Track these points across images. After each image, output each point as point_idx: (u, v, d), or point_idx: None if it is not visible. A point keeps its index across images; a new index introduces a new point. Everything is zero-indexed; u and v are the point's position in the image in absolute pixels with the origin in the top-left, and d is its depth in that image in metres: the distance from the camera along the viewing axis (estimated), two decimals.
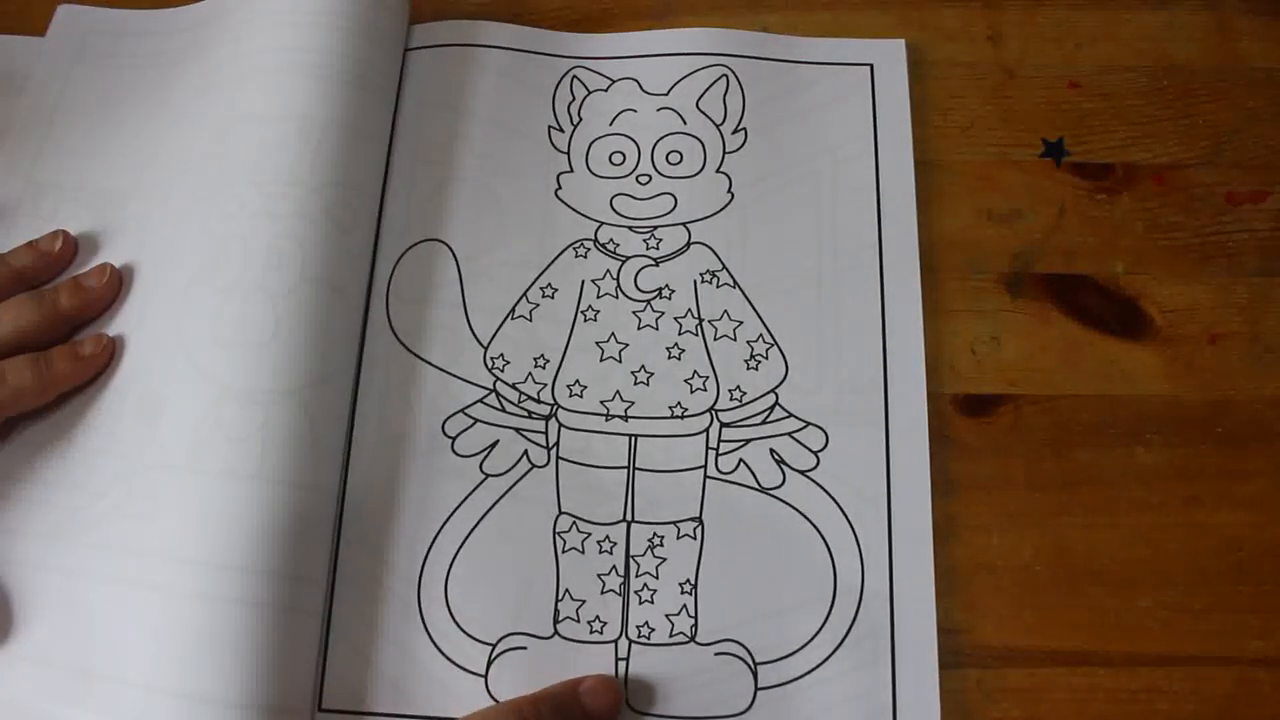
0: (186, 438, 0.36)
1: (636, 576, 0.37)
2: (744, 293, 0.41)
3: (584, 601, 0.37)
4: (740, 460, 0.39)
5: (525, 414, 0.40)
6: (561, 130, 0.45)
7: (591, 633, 0.37)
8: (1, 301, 0.39)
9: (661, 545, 0.38)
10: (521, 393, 0.40)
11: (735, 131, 0.44)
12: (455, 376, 0.40)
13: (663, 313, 0.41)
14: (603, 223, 0.43)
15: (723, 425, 0.39)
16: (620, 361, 0.41)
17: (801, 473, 0.39)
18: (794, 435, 0.39)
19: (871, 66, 0.45)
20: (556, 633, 0.37)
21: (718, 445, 0.39)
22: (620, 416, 0.40)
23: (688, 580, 0.37)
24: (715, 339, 0.41)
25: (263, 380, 0.36)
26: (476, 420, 0.40)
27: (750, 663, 0.36)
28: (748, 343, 0.41)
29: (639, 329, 0.41)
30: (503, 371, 0.40)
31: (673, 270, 0.42)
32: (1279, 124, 0.45)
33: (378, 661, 0.36)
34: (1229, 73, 0.46)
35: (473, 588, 0.37)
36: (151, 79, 0.45)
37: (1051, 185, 0.44)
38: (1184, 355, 0.41)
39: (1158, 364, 0.41)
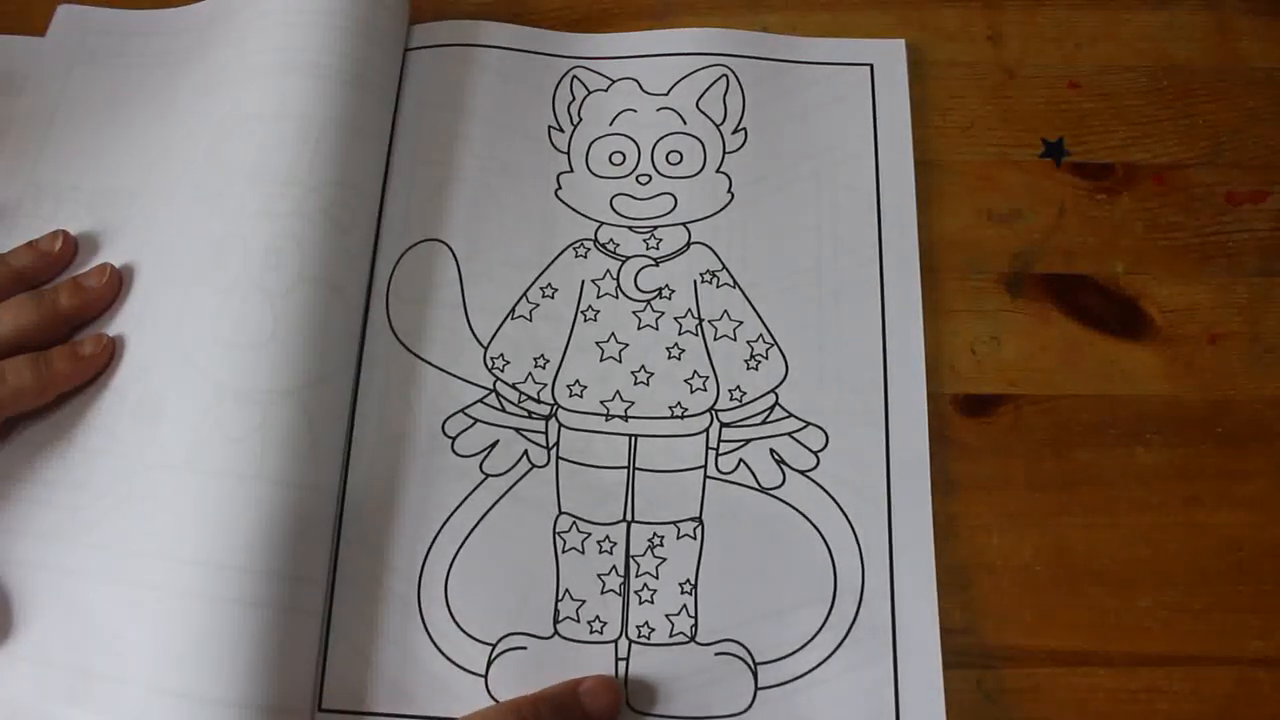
0: (186, 438, 0.36)
1: (636, 576, 0.37)
2: (744, 293, 0.41)
3: (584, 601, 0.37)
4: (740, 460, 0.39)
5: (525, 414, 0.40)
6: (561, 130, 0.45)
7: (591, 633, 0.37)
8: (1, 301, 0.39)
9: (661, 545, 0.38)
10: (521, 393, 0.40)
11: (735, 131, 0.44)
12: (455, 376, 0.40)
13: (663, 313, 0.41)
14: (603, 223, 0.43)
15: (723, 425, 0.39)
16: (620, 361, 0.41)
17: (801, 473, 0.39)
18: (794, 435, 0.39)
19: (871, 66, 0.45)
20: (556, 633, 0.37)
21: (718, 445, 0.39)
22: (620, 416, 0.40)
23: (688, 580, 0.37)
24: (715, 339, 0.41)
25: (262, 380, 0.36)
26: (476, 420, 0.40)
27: (750, 663, 0.36)
28: (748, 343, 0.41)
29: (639, 329, 0.41)
30: (503, 371, 0.40)
31: (673, 270, 0.42)
32: (1279, 124, 0.45)
33: (378, 661, 0.36)
34: (1229, 73, 0.46)
35: (473, 588, 0.37)
36: (151, 79, 0.45)
37: (1051, 185, 0.44)
38: (1184, 355, 0.41)
39: (1158, 364, 0.41)
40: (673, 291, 0.42)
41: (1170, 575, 0.38)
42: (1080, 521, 0.39)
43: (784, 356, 0.40)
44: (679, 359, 0.41)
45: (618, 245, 0.43)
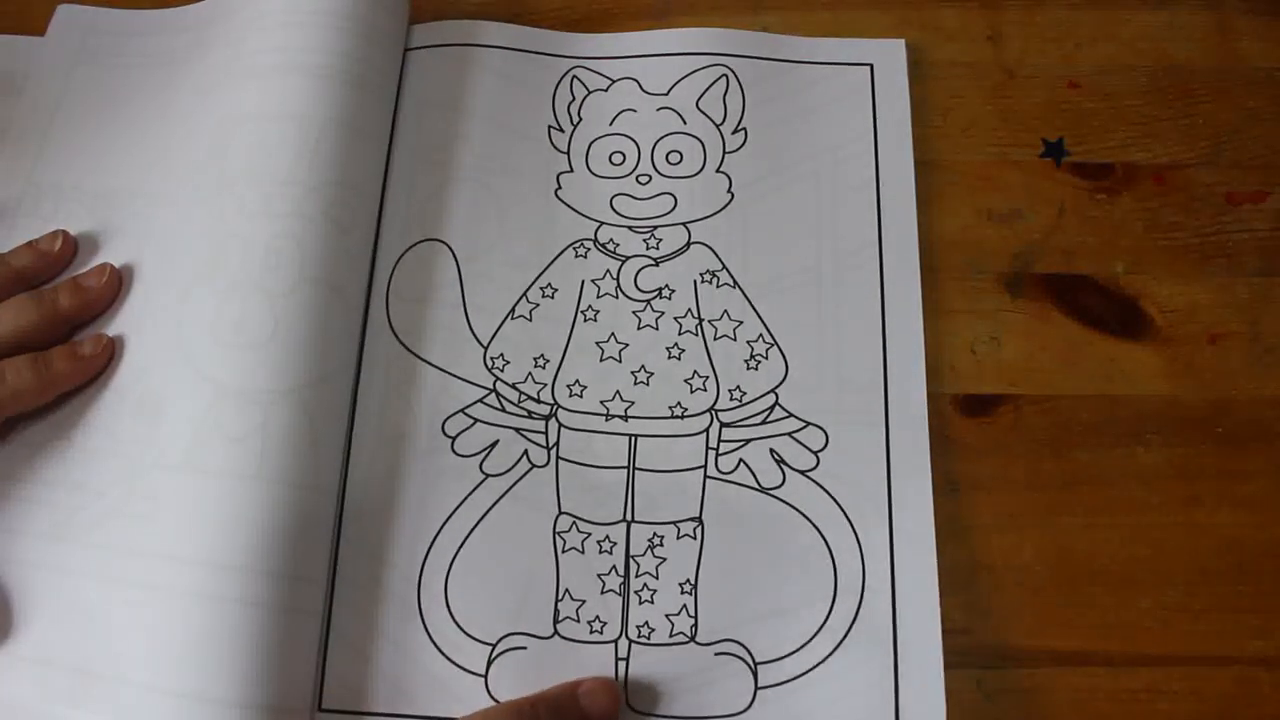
0: (186, 437, 0.36)
1: (636, 576, 0.37)
2: (744, 292, 0.41)
3: (584, 601, 0.37)
4: (740, 460, 0.39)
5: (525, 414, 0.40)
6: (561, 130, 0.45)
7: (591, 633, 0.37)
8: (1, 301, 0.39)
9: (661, 545, 0.38)
10: (521, 393, 0.40)
11: (735, 131, 0.44)
12: (455, 376, 0.40)
13: (663, 312, 0.41)
14: (603, 223, 0.43)
15: (723, 425, 0.39)
16: (620, 361, 0.41)
17: (801, 473, 0.39)
18: (794, 435, 0.39)
19: (871, 66, 0.45)
20: (556, 633, 0.37)
21: (718, 445, 0.39)
22: (620, 416, 0.40)
23: (688, 580, 0.37)
24: (715, 339, 0.41)
25: (262, 380, 0.36)
26: (476, 420, 0.40)
27: (750, 663, 0.36)
28: (748, 343, 0.41)
29: (639, 329, 0.41)
30: (503, 371, 0.40)
31: (673, 270, 0.42)
32: (1279, 124, 0.45)
33: (377, 661, 0.36)
34: (1229, 73, 0.46)
35: (473, 587, 0.37)
36: (151, 79, 0.45)
37: (1051, 185, 0.44)
38: (1184, 355, 0.41)
39: (1158, 364, 0.41)
40: (673, 291, 0.42)
41: (1170, 575, 0.38)
42: (1080, 521, 0.39)
43: (784, 356, 0.40)
44: (679, 359, 0.41)
45: (618, 245, 0.43)
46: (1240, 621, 0.38)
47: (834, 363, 0.40)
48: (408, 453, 0.39)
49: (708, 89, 0.45)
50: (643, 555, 0.38)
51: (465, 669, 0.36)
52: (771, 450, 0.39)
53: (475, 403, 0.40)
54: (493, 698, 0.36)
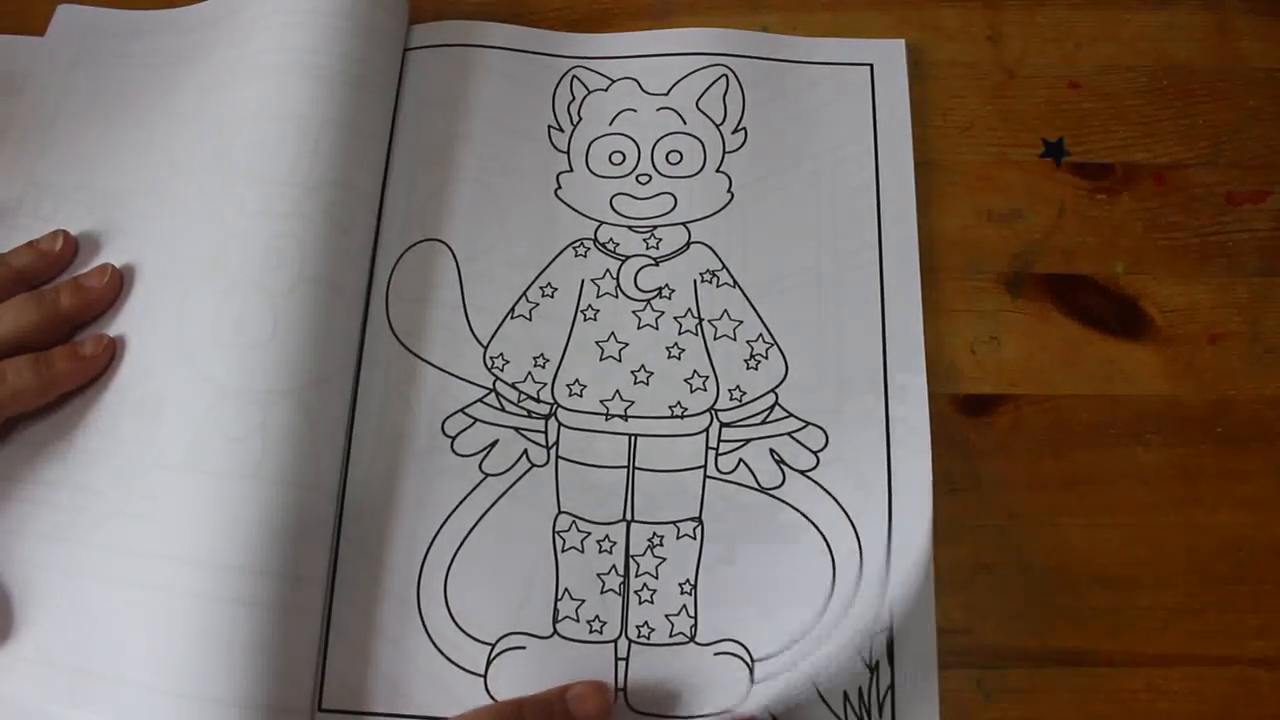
0: (186, 438, 0.36)
1: (636, 576, 0.37)
2: (744, 292, 0.41)
3: (583, 601, 0.37)
4: (740, 460, 0.39)
5: (525, 413, 0.40)
6: (561, 130, 0.45)
7: (591, 632, 0.37)
8: (2, 301, 0.39)
9: (661, 545, 0.38)
10: (521, 392, 0.40)
11: (735, 131, 0.44)
12: (455, 376, 0.40)
13: (662, 312, 0.41)
14: (602, 222, 0.43)
15: (723, 425, 0.39)
16: (620, 361, 0.41)
17: (801, 473, 0.39)
18: (794, 435, 0.39)
19: (871, 67, 0.45)
20: (556, 632, 0.37)
21: (718, 445, 0.39)
22: (620, 416, 0.40)
23: (687, 580, 0.37)
24: (715, 339, 0.41)
25: (262, 380, 0.36)
26: (476, 420, 0.40)
27: (749, 662, 0.36)
28: (748, 342, 0.41)
29: (639, 328, 0.41)
30: (502, 371, 0.40)
31: (672, 270, 0.42)
32: (1279, 124, 0.45)
33: (377, 661, 0.36)
34: (1229, 73, 0.46)
35: (472, 587, 0.37)
36: (151, 79, 0.45)
37: (1051, 185, 0.44)
38: (1184, 355, 0.41)
39: (1158, 364, 0.41)
40: (672, 291, 0.42)
41: (1170, 575, 0.38)
42: (1080, 521, 0.39)
43: (784, 356, 0.40)
44: (679, 359, 0.41)
45: (617, 245, 0.43)
46: (1240, 621, 0.38)
47: (834, 363, 0.40)
48: (407, 452, 0.39)
49: (708, 89, 0.45)
50: (642, 555, 0.38)
51: (465, 669, 0.36)
52: (771, 450, 0.39)
53: (475, 402, 0.40)
54: (492, 697, 0.36)
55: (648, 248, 0.42)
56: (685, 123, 0.44)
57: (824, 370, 0.40)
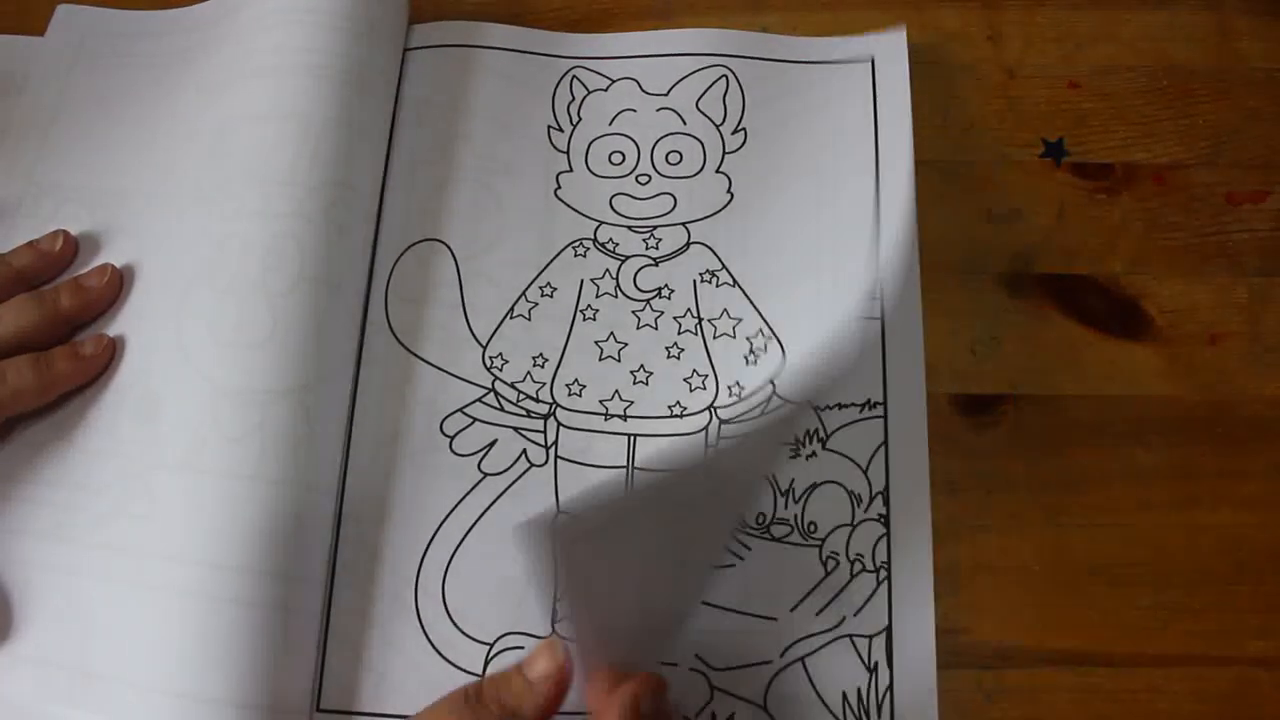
0: (185, 437, 0.36)
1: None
2: (743, 290, 0.41)
3: None
4: None
5: (524, 413, 0.40)
6: (561, 130, 0.45)
7: None
8: (2, 302, 0.39)
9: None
10: (520, 392, 0.40)
11: (735, 132, 0.44)
12: (454, 376, 0.40)
13: (662, 312, 0.41)
14: (602, 222, 0.43)
15: (721, 422, 0.39)
16: (619, 361, 0.41)
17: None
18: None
19: (872, 60, 0.45)
20: (554, 632, 0.37)
21: (716, 443, 0.39)
22: (619, 416, 0.40)
23: None
24: (715, 338, 0.41)
25: (261, 380, 0.36)
26: (475, 419, 0.40)
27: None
28: (747, 339, 0.41)
29: (638, 328, 0.41)
30: (501, 371, 0.40)
31: (672, 270, 0.42)
32: (1279, 124, 0.45)
33: (375, 661, 0.36)
34: (1229, 73, 0.46)
35: (470, 587, 0.37)
36: (151, 79, 0.45)
37: (1051, 185, 0.44)
38: (1184, 355, 0.41)
39: (1158, 364, 0.41)
40: (672, 291, 0.42)
41: (1170, 575, 0.38)
42: (1080, 521, 0.39)
43: (781, 346, 0.40)
44: (678, 358, 0.40)
45: (617, 245, 0.43)
46: (1240, 621, 0.37)
47: (833, 362, 0.40)
48: (406, 452, 0.39)
49: (707, 89, 0.45)
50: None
51: (463, 669, 0.36)
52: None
53: (474, 402, 0.40)
54: None
55: (647, 248, 0.42)
56: (685, 123, 0.44)
57: (823, 369, 0.40)
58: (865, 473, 0.39)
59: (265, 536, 0.35)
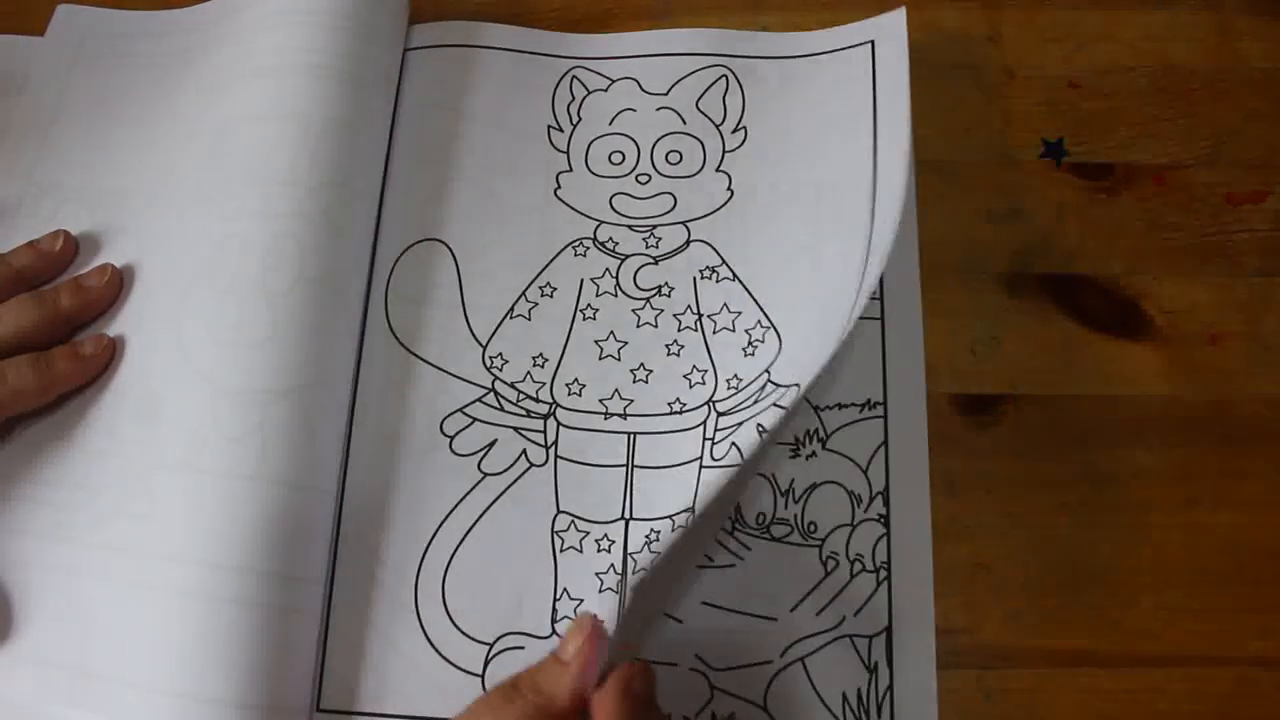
0: (185, 437, 0.36)
1: (634, 574, 0.37)
2: (744, 284, 0.41)
3: (582, 601, 0.37)
4: (732, 444, 0.39)
5: (524, 413, 0.40)
6: (561, 130, 0.45)
7: None
8: (2, 301, 0.39)
9: (659, 541, 0.38)
10: (520, 391, 0.40)
11: (735, 131, 0.44)
12: (454, 376, 0.40)
13: (662, 310, 0.41)
14: (602, 221, 0.43)
15: (719, 415, 0.39)
16: (619, 360, 0.40)
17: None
18: (776, 404, 0.38)
19: (872, 44, 0.44)
20: (554, 632, 0.37)
21: (713, 435, 0.39)
22: (619, 415, 0.40)
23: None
24: (714, 332, 0.41)
25: (261, 380, 0.36)
26: (475, 419, 0.40)
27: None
28: (746, 331, 0.40)
29: (638, 327, 0.41)
30: (501, 370, 0.40)
31: (672, 268, 0.42)
32: (1279, 124, 0.45)
33: (375, 661, 0.36)
34: (1229, 73, 0.46)
35: (470, 587, 0.37)
36: (151, 79, 0.45)
37: (1051, 185, 0.44)
38: (1184, 355, 0.41)
39: (1158, 364, 0.41)
40: (672, 289, 0.42)
41: (1170, 575, 0.38)
42: (1080, 521, 0.39)
43: (778, 335, 0.40)
44: (678, 356, 0.40)
45: (617, 244, 0.43)
46: (1240, 621, 0.37)
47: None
48: (406, 452, 0.39)
49: (707, 89, 0.45)
50: (640, 553, 0.38)
51: (462, 669, 0.36)
52: (758, 425, 0.38)
53: (474, 402, 0.40)
54: None
55: (647, 247, 0.42)
56: (685, 122, 0.44)
57: (809, 341, 0.39)
58: (865, 473, 0.39)
59: (265, 536, 0.35)
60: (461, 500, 0.38)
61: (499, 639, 0.37)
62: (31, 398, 0.37)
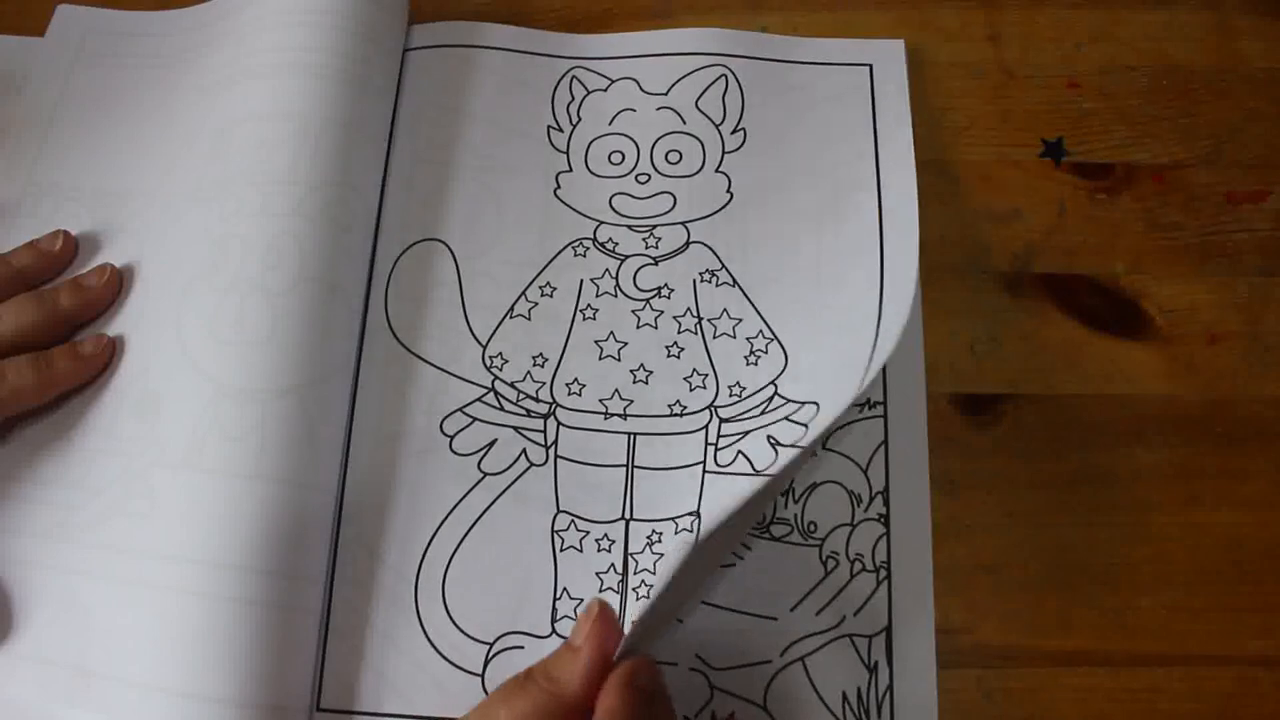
0: (185, 436, 0.36)
1: (635, 574, 0.37)
2: (743, 290, 0.41)
3: (582, 600, 0.37)
4: (739, 452, 0.39)
5: (524, 412, 0.40)
6: (561, 130, 0.45)
7: None
8: (2, 301, 0.39)
9: (660, 542, 0.38)
10: (520, 391, 0.40)
11: (734, 131, 0.44)
12: (454, 375, 0.40)
13: (662, 311, 0.41)
14: (602, 222, 0.43)
15: (722, 421, 0.39)
16: (619, 360, 0.41)
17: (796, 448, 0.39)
18: (790, 418, 0.39)
19: (871, 67, 0.45)
20: (554, 632, 0.37)
21: (716, 440, 0.39)
22: (619, 415, 0.40)
23: None
24: (714, 337, 0.41)
25: (261, 379, 0.36)
26: (475, 419, 0.40)
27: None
28: (747, 339, 0.41)
29: (638, 328, 0.41)
30: (501, 370, 0.40)
31: (672, 269, 0.42)
32: (1279, 124, 0.45)
33: (375, 661, 0.36)
34: (1229, 73, 0.46)
35: (470, 587, 0.37)
36: (151, 79, 0.46)
37: (1051, 185, 0.44)
38: (1184, 355, 0.41)
39: (1158, 364, 0.41)
40: (671, 290, 0.42)
41: (1170, 575, 0.38)
42: (1080, 521, 0.39)
43: (784, 349, 0.40)
44: (678, 357, 0.40)
45: (617, 244, 0.43)
46: (1240, 621, 0.37)
47: (833, 362, 0.40)
48: (406, 451, 0.39)
49: (707, 89, 0.45)
50: (641, 552, 0.38)
51: (462, 668, 0.36)
52: (769, 437, 0.39)
53: (474, 401, 0.40)
54: None
55: (647, 247, 0.42)
56: (685, 122, 0.44)
57: (823, 368, 0.40)
58: (865, 472, 0.39)
59: (265, 536, 0.35)
60: (461, 500, 0.38)
61: (499, 638, 0.37)
62: (31, 397, 0.37)
